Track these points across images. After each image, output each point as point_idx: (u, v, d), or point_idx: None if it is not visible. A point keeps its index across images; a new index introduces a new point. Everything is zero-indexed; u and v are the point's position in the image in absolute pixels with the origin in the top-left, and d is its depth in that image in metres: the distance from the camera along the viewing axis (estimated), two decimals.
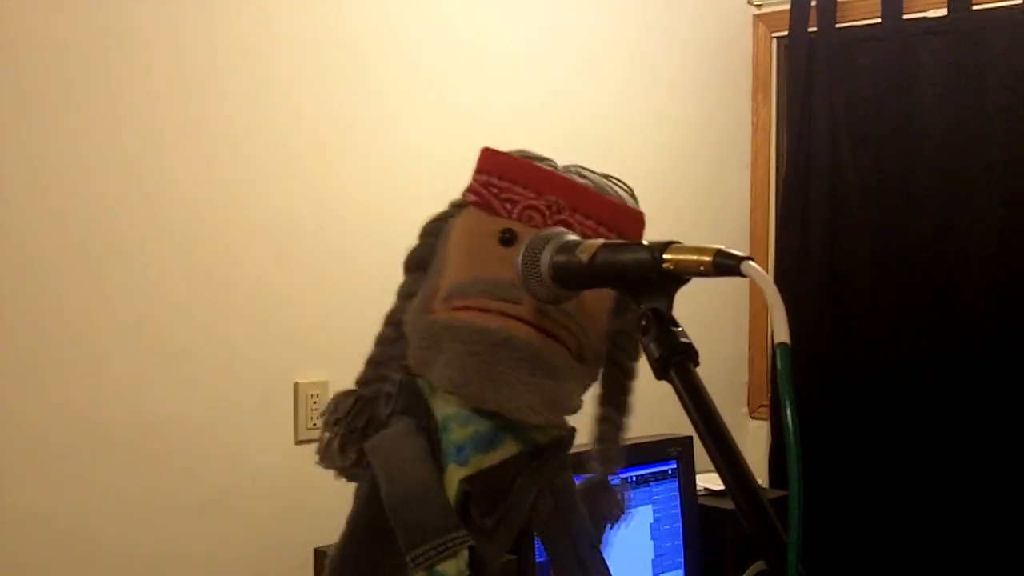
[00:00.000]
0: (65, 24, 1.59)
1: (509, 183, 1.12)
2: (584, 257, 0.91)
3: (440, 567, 1.01)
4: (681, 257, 0.83)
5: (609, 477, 1.20)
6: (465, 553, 1.03)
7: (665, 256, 0.84)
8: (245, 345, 1.79)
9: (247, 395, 1.80)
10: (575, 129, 2.39)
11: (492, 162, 1.15)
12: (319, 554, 1.72)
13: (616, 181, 1.20)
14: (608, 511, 1.18)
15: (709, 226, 2.74)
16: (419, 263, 1.15)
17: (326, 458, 1.14)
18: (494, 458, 1.07)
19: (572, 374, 1.09)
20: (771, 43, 2.88)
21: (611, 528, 1.19)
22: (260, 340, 1.82)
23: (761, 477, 2.72)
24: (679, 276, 0.85)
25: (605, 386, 1.20)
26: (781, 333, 0.75)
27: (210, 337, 1.76)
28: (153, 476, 1.69)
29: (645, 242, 0.87)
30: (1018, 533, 2.45)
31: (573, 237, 0.96)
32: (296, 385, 1.86)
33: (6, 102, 1.54)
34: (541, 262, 0.95)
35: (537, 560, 1.75)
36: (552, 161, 1.17)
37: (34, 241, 1.57)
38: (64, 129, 1.59)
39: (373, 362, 1.16)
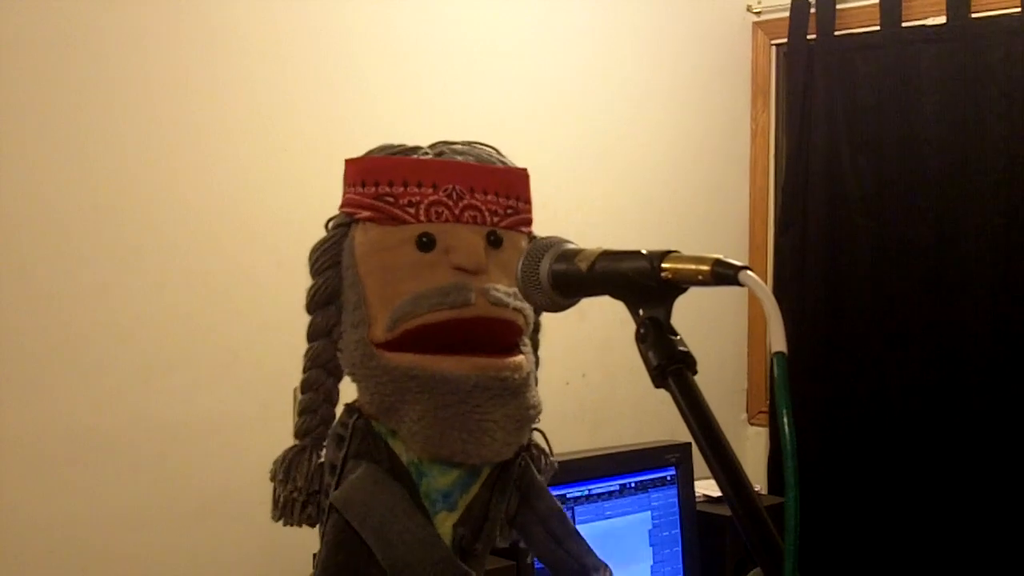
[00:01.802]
0: (63, 25, 1.59)
1: (403, 187, 1.06)
2: (583, 266, 0.91)
3: None
4: (679, 266, 0.84)
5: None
6: None
7: (664, 265, 0.85)
8: (245, 350, 1.80)
9: (247, 400, 1.80)
10: (575, 136, 2.40)
11: (373, 170, 1.08)
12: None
13: (483, 145, 1.16)
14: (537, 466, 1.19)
15: (708, 232, 2.75)
16: (327, 298, 1.09)
17: (285, 516, 1.10)
18: (475, 490, 1.08)
19: (532, 378, 1.10)
20: (770, 50, 2.89)
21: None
22: (260, 345, 1.82)
23: (760, 484, 2.72)
24: (678, 285, 0.85)
25: None
26: (778, 342, 0.75)
27: (210, 342, 1.76)
28: (153, 481, 1.69)
29: (644, 251, 0.87)
30: (1018, 539, 2.45)
31: (572, 245, 0.96)
32: (296, 390, 1.86)
33: (4, 104, 1.54)
34: (540, 270, 0.95)
35: (537, 567, 1.75)
36: (422, 148, 1.13)
37: (33, 245, 1.57)
38: (62, 133, 1.60)
39: (307, 411, 1.12)
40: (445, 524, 1.06)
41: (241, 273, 1.80)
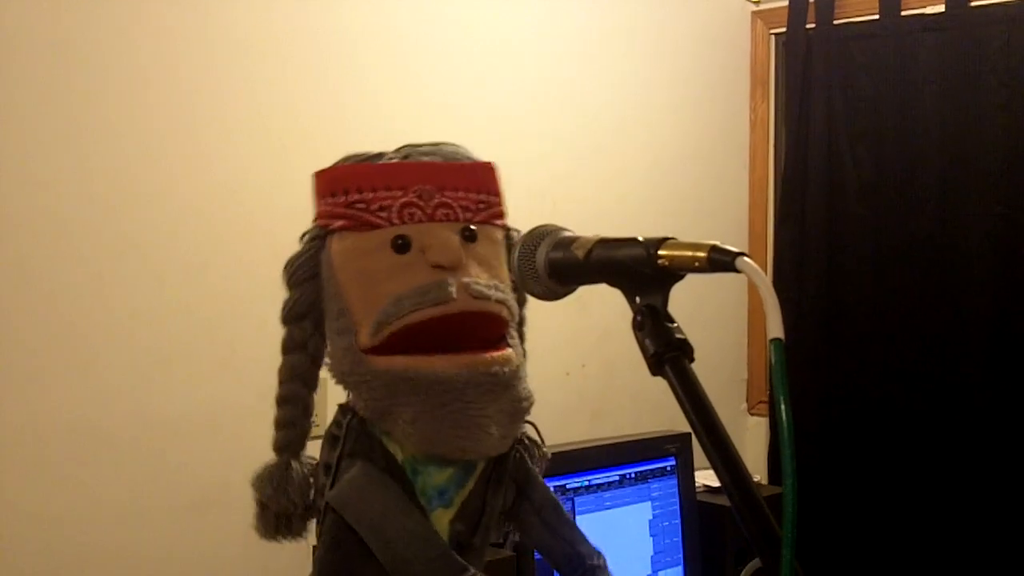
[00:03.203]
0: (59, 23, 1.59)
1: (372, 192, 1.06)
2: (580, 253, 0.91)
3: None
4: (676, 253, 0.84)
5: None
6: None
7: (660, 252, 0.84)
8: (243, 344, 1.79)
9: (246, 394, 1.80)
10: (574, 126, 2.40)
11: (342, 180, 1.08)
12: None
13: (447, 144, 1.15)
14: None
15: (707, 223, 2.75)
16: (305, 311, 1.10)
17: (281, 532, 1.10)
18: (470, 485, 1.08)
19: (522, 371, 1.10)
20: (769, 40, 2.88)
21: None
22: (259, 338, 1.81)
23: (760, 473, 2.72)
24: (674, 272, 0.85)
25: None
26: (775, 328, 0.75)
27: (209, 335, 1.76)
28: (151, 475, 1.69)
29: (640, 238, 0.87)
30: (1017, 532, 2.45)
31: (568, 233, 0.96)
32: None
33: (1, 101, 1.54)
34: (537, 259, 0.95)
35: (537, 558, 1.76)
36: (386, 153, 1.12)
37: (30, 240, 1.57)
38: (60, 128, 1.59)
39: (287, 423, 1.11)
40: (442, 520, 1.06)
41: (239, 267, 1.79)
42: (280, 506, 1.09)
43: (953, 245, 2.55)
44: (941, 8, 2.56)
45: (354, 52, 1.97)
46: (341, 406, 1.10)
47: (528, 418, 1.14)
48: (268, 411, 1.83)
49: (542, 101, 2.32)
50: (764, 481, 2.65)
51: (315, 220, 1.10)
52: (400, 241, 1.05)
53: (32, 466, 1.57)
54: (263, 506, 1.10)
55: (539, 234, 0.96)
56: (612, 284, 0.90)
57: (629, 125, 2.53)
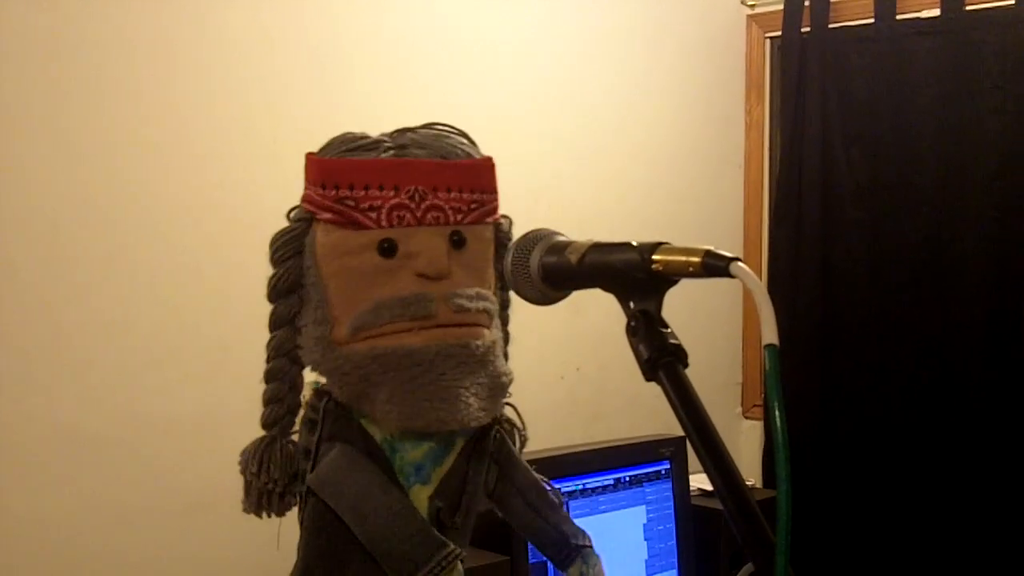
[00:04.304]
0: (52, 24, 1.58)
1: (363, 190, 1.05)
2: (573, 258, 0.91)
3: None
4: (670, 258, 0.83)
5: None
6: (460, 565, 1.04)
7: (654, 257, 0.84)
8: (235, 346, 1.79)
9: (238, 396, 1.78)
10: (568, 128, 2.39)
11: (334, 172, 1.06)
12: None
13: (446, 130, 1.15)
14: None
15: (702, 226, 2.74)
16: (289, 288, 1.09)
17: (263, 508, 1.10)
18: (449, 462, 1.08)
19: (497, 348, 1.10)
20: (764, 43, 2.89)
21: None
22: (250, 341, 1.80)
23: (755, 478, 2.72)
24: (668, 277, 0.85)
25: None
26: (769, 334, 0.75)
27: (201, 338, 1.75)
28: (143, 477, 1.68)
29: (634, 243, 0.86)
30: (1013, 533, 2.45)
31: (562, 238, 0.96)
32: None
33: None
34: (531, 263, 0.95)
35: (530, 561, 1.75)
36: (382, 139, 1.11)
37: (22, 243, 1.56)
38: (51, 129, 1.59)
39: (273, 400, 1.11)
40: (420, 497, 1.06)
41: (231, 269, 1.79)
42: (261, 483, 1.08)
43: (948, 248, 2.55)
44: (936, 12, 2.56)
45: (347, 52, 1.96)
46: (316, 390, 1.10)
47: (510, 401, 1.14)
48: (259, 413, 1.84)
49: (537, 103, 2.32)
50: (758, 485, 2.65)
51: (302, 202, 1.10)
52: (386, 245, 1.04)
53: (24, 468, 1.56)
54: (247, 482, 1.10)
55: (533, 239, 0.96)
56: (606, 289, 0.90)
57: (624, 128, 2.53)
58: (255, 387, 1.82)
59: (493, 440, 1.13)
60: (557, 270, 0.93)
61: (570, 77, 2.40)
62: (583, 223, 2.33)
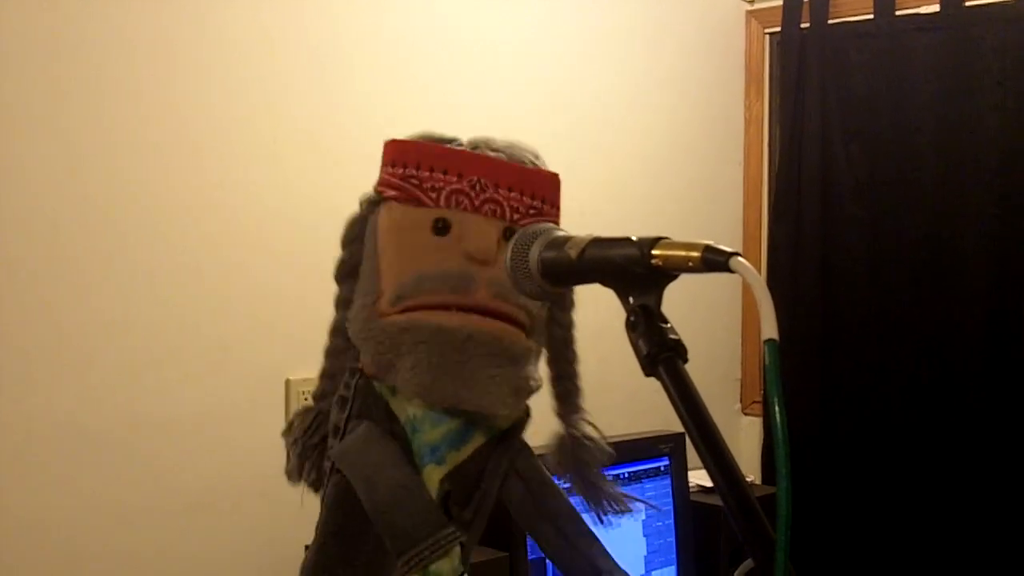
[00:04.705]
0: (52, 24, 1.58)
1: (428, 171, 1.10)
2: (572, 253, 0.90)
3: (434, 567, 1.02)
4: (670, 253, 0.83)
5: (583, 431, 1.19)
6: (458, 549, 1.04)
7: (654, 252, 0.84)
8: (236, 343, 1.79)
9: (238, 393, 1.79)
10: (567, 124, 2.39)
11: (404, 153, 1.12)
12: None
13: (521, 145, 1.18)
14: (593, 457, 1.18)
15: (702, 222, 2.74)
16: (351, 270, 1.14)
17: (292, 475, 1.16)
18: (466, 452, 1.09)
19: (530, 354, 1.11)
20: (764, 39, 2.88)
21: (603, 474, 1.19)
22: (251, 337, 1.81)
23: (754, 474, 2.72)
24: (668, 272, 0.84)
25: (552, 348, 1.20)
26: (769, 329, 0.74)
27: (201, 335, 1.75)
28: (144, 475, 1.68)
29: (634, 238, 0.86)
30: (1013, 533, 2.45)
31: (562, 233, 0.96)
32: (288, 382, 1.85)
33: None
34: (530, 258, 0.94)
35: (529, 558, 1.75)
36: (459, 140, 1.16)
37: (21, 242, 1.55)
38: (50, 128, 1.58)
39: (327, 375, 1.16)
40: (432, 478, 1.07)
41: (231, 268, 1.78)
42: (287, 443, 1.15)
43: (948, 244, 2.54)
44: (936, 7, 2.56)
45: (348, 52, 1.96)
46: (351, 368, 1.13)
47: (588, 418, 1.18)
48: (260, 413, 1.84)
49: (536, 101, 2.31)
50: (758, 481, 2.65)
51: (376, 186, 1.15)
52: (440, 224, 1.08)
53: (23, 467, 1.55)
54: (287, 450, 1.17)
55: (532, 233, 0.96)
56: (605, 284, 0.89)
57: (624, 124, 2.53)
58: (255, 387, 1.83)
59: (520, 452, 1.13)
60: (556, 265, 0.93)
61: (569, 74, 2.40)
62: (582, 219, 2.31)
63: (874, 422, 2.63)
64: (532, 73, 2.31)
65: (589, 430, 1.20)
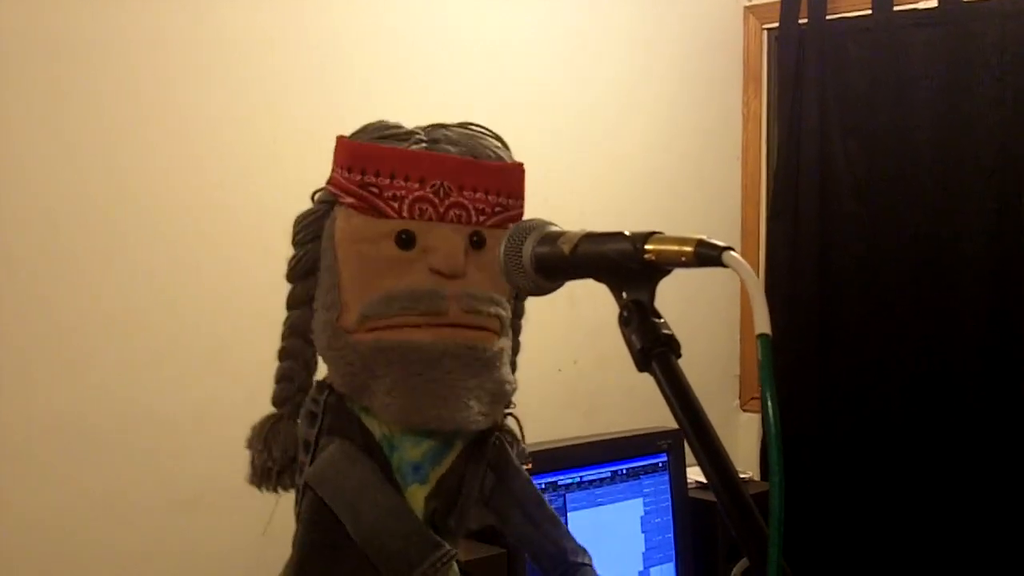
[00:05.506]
0: (52, 24, 1.58)
1: (389, 179, 1.05)
2: (566, 248, 0.90)
3: None
4: (663, 247, 0.83)
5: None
6: (455, 565, 1.03)
7: (647, 247, 0.83)
8: (235, 341, 1.79)
9: (236, 391, 1.79)
10: (566, 120, 2.39)
11: (361, 157, 1.06)
12: None
13: (480, 131, 1.14)
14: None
15: (700, 219, 2.74)
16: (308, 269, 1.09)
17: (264, 483, 1.11)
18: (447, 463, 1.07)
19: (503, 355, 1.09)
20: (762, 35, 2.88)
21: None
22: (249, 336, 1.80)
23: (753, 470, 2.71)
24: (661, 267, 0.84)
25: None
26: (762, 324, 0.74)
27: (200, 333, 1.75)
28: (143, 472, 1.68)
29: (627, 232, 0.86)
30: (1011, 532, 2.45)
31: (555, 228, 0.95)
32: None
33: None
34: (523, 253, 0.94)
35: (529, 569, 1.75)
36: (413, 130, 1.11)
37: (20, 239, 1.56)
38: (49, 126, 1.58)
39: (285, 378, 1.11)
40: (417, 497, 1.06)
41: (229, 264, 1.78)
42: (260, 460, 1.09)
43: (947, 241, 2.54)
44: (934, 3, 2.56)
45: (347, 52, 1.96)
46: (318, 382, 1.10)
47: (514, 412, 1.13)
48: (258, 410, 1.83)
49: (535, 98, 2.31)
50: (756, 477, 2.64)
51: (327, 184, 1.09)
52: (405, 236, 1.04)
53: (23, 464, 1.56)
54: (251, 456, 1.11)
55: (526, 228, 0.95)
56: (599, 279, 0.89)
57: (622, 120, 2.53)
58: (253, 384, 1.81)
59: (492, 447, 1.13)
60: (550, 260, 0.92)
61: (568, 71, 2.40)
62: (581, 216, 2.33)
63: (872, 420, 2.63)
64: (532, 74, 2.31)
65: (511, 424, 1.19)
